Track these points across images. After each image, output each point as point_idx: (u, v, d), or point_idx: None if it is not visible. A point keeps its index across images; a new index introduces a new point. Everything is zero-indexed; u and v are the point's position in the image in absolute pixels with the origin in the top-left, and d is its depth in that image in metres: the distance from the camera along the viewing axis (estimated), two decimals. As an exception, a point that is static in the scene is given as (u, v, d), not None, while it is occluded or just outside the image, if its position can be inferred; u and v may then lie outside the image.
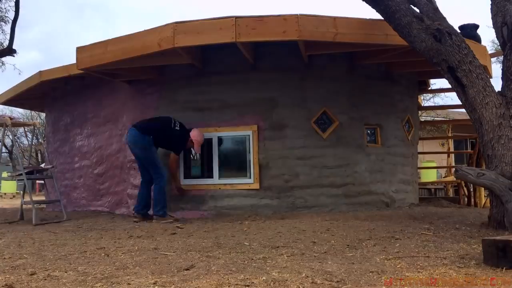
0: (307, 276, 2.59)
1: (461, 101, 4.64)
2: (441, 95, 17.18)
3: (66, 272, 2.88)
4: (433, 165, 12.86)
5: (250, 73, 6.21)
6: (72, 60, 6.43)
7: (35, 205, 6.30)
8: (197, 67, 6.24)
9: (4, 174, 14.11)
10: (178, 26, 5.39)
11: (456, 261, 2.99)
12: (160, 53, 5.68)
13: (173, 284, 2.49)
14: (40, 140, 21.62)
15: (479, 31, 6.94)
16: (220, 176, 6.21)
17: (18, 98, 9.33)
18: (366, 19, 5.54)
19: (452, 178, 10.44)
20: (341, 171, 6.19)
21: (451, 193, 10.68)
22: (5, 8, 13.24)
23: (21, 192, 7.51)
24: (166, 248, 3.69)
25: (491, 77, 7.32)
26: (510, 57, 4.50)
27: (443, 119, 14.40)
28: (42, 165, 10.56)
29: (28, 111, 24.13)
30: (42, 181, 10.70)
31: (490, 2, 4.85)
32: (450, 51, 4.50)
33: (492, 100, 4.37)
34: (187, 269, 2.84)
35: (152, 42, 5.55)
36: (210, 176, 6.25)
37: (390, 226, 4.50)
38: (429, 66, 5.39)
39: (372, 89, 6.57)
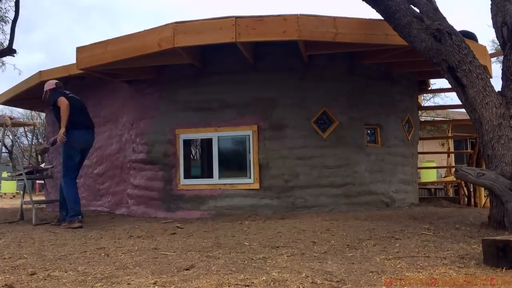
0: (307, 276, 2.59)
1: (461, 101, 4.64)
2: (441, 95, 17.22)
3: (66, 272, 2.88)
4: (433, 165, 12.86)
5: (250, 73, 6.21)
6: (75, 61, 6.41)
7: (35, 205, 6.30)
8: (197, 67, 6.24)
9: (4, 174, 14.11)
10: (178, 26, 5.39)
11: (456, 261, 2.99)
12: (160, 53, 5.68)
13: (173, 284, 2.49)
14: (40, 140, 21.61)
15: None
16: (220, 176, 6.21)
17: (18, 98, 9.33)
18: (366, 19, 5.54)
19: (452, 178, 10.44)
20: (341, 171, 6.19)
21: (451, 193, 10.68)
22: (5, 8, 13.27)
23: (21, 192, 7.51)
24: (166, 248, 3.69)
25: (491, 77, 7.32)
26: (510, 57, 4.50)
27: (443, 119, 14.40)
28: (42, 165, 10.56)
29: (28, 111, 24.15)
30: (42, 181, 10.70)
31: (490, 2, 4.85)
32: (450, 51, 4.50)
33: (492, 100, 4.37)
34: (187, 269, 2.84)
35: (152, 42, 5.55)
36: (210, 176, 6.25)
37: (390, 226, 4.50)
38: (429, 66, 5.40)
39: (372, 89, 6.57)
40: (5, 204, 13.11)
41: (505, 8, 4.60)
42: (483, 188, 8.29)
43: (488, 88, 4.41)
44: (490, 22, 4.83)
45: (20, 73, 22.54)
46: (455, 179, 8.86)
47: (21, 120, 16.46)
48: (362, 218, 5.10)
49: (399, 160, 6.86)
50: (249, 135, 6.16)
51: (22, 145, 25.34)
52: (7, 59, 13.63)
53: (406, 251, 3.34)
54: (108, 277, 2.70)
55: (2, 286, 2.53)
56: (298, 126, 6.13)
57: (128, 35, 5.83)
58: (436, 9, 4.97)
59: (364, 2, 5.15)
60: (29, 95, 9.13)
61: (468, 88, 4.45)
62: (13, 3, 12.11)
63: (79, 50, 6.19)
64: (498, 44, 5.00)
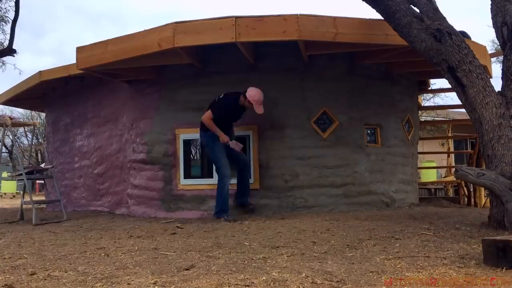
0: (307, 276, 2.59)
1: (461, 101, 4.64)
2: (441, 95, 17.24)
3: (66, 272, 2.88)
4: (433, 165, 12.86)
5: (250, 73, 6.21)
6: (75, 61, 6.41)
7: (35, 205, 6.30)
8: (197, 67, 6.23)
9: (4, 174, 14.10)
10: (178, 26, 5.39)
11: (456, 261, 2.99)
12: (160, 53, 5.67)
13: (173, 284, 2.49)
14: (40, 140, 21.60)
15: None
16: (220, 176, 6.19)
17: (18, 98, 9.33)
18: (366, 19, 5.54)
19: (452, 178, 10.44)
20: (341, 171, 6.19)
21: (451, 193, 10.69)
22: (5, 8, 13.28)
23: (21, 192, 7.51)
24: (166, 248, 3.69)
25: (491, 77, 7.32)
26: (510, 57, 4.50)
27: (443, 119, 14.42)
28: (42, 165, 10.56)
29: (28, 111, 24.16)
30: (42, 181, 10.70)
31: (490, 2, 4.85)
32: (450, 51, 4.50)
33: (492, 100, 4.37)
34: (187, 269, 2.84)
35: (152, 42, 5.54)
36: (210, 176, 6.24)
37: (390, 226, 4.50)
38: (429, 66, 5.39)
39: (372, 89, 6.56)
40: (5, 204, 13.12)
41: (505, 8, 4.60)
42: (483, 188, 8.29)
43: (488, 88, 4.41)
44: (490, 22, 4.83)
45: (20, 73, 22.54)
46: (455, 179, 8.86)
47: (21, 120, 16.48)
48: (362, 218, 5.10)
49: (399, 160, 6.85)
50: (249, 135, 6.16)
51: (22, 145, 25.34)
52: (7, 59, 13.65)
53: (406, 251, 3.34)
54: (108, 277, 2.70)
55: (2, 286, 2.53)
56: (298, 126, 6.12)
57: (128, 35, 5.82)
58: (436, 9, 4.97)
59: (364, 2, 5.15)
60: (29, 95, 9.14)
61: (468, 88, 4.45)
62: (13, 3, 12.14)
63: (79, 50, 6.19)
64: (498, 44, 5.00)
